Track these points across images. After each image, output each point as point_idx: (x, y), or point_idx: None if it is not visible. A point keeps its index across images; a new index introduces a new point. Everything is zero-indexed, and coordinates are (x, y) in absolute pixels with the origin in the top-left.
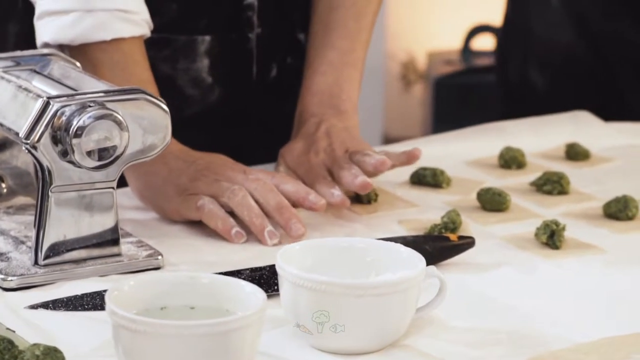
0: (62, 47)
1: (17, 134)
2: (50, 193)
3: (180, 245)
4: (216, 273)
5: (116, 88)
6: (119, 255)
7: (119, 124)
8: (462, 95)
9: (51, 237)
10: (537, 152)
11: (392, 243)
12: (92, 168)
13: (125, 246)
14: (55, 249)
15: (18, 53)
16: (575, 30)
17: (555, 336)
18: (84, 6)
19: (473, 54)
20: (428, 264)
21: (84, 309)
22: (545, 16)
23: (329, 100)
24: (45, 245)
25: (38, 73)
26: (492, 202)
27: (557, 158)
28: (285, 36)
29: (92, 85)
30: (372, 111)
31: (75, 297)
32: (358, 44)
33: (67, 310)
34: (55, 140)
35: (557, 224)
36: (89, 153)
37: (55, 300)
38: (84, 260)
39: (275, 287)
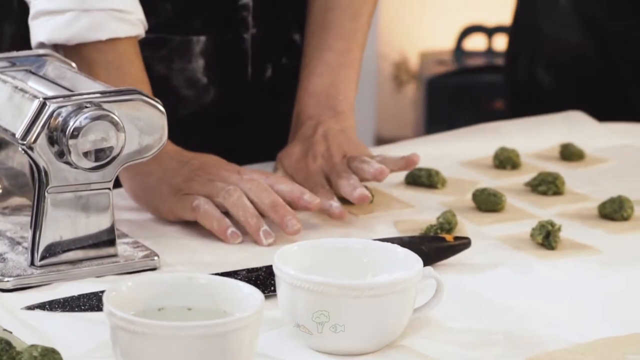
0: (56, 47)
1: (13, 134)
2: (46, 194)
3: (176, 246)
4: (212, 274)
5: (112, 89)
6: (115, 256)
7: (115, 124)
8: (455, 96)
9: (47, 237)
10: (532, 152)
11: (389, 244)
12: (89, 169)
13: (122, 247)
14: (52, 250)
15: (14, 54)
16: (583, 30)
17: (551, 337)
18: (80, 6)
19: (465, 54)
20: (424, 264)
21: (81, 310)
22: (554, 16)
23: (325, 101)
24: (42, 246)
25: (34, 74)
26: (487, 202)
27: (552, 158)
28: (280, 37)
29: (88, 85)
30: (364, 111)
31: (72, 298)
32: (354, 45)
33: (63, 311)
34: (52, 141)
35: (552, 224)
36: (86, 154)
37: (52, 301)
38: (80, 261)
39: (272, 288)
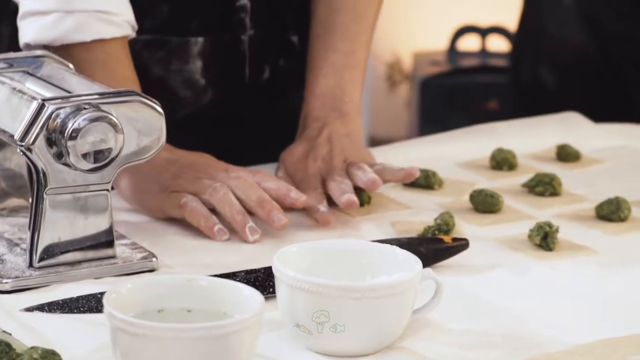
0: (46, 47)
1: (11, 136)
2: (45, 195)
3: (174, 247)
4: (211, 275)
5: (111, 90)
6: (113, 257)
7: (114, 126)
8: (449, 96)
9: (46, 239)
10: (528, 153)
11: (388, 245)
12: (87, 170)
13: (120, 248)
14: (50, 251)
15: (11, 55)
16: (586, 30)
17: (549, 338)
18: (64, 7)
19: (459, 54)
20: (423, 266)
21: (80, 312)
22: (558, 16)
23: (331, 103)
24: (40, 248)
25: (31, 75)
26: (484, 203)
27: (548, 159)
28: (277, 38)
29: (85, 87)
30: None
31: (71, 299)
32: (359, 46)
33: (62, 312)
34: (50, 143)
35: (550, 225)
36: (84, 155)
37: (51, 302)
38: (79, 262)
39: (271, 290)
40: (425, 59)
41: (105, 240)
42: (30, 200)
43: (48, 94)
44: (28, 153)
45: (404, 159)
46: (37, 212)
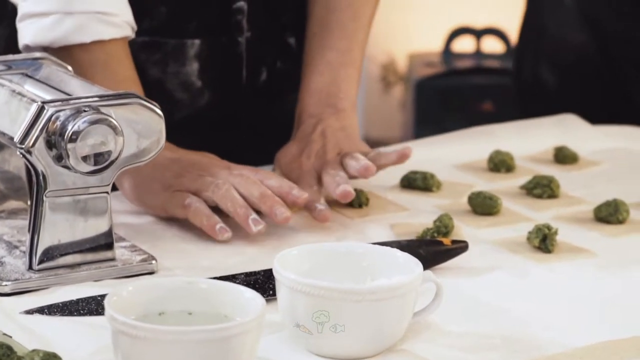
0: (45, 49)
1: (11, 138)
2: (44, 198)
3: (173, 250)
4: (211, 278)
5: (110, 93)
6: (113, 259)
7: (113, 128)
8: (443, 97)
9: (45, 241)
10: (526, 155)
11: (389, 248)
12: (87, 173)
13: (119, 251)
14: (50, 254)
15: (9, 57)
16: (587, 30)
17: (549, 340)
18: (64, 8)
19: (454, 56)
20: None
21: (80, 314)
22: (558, 15)
23: (326, 99)
24: (40, 250)
25: (30, 77)
26: (483, 205)
27: (546, 161)
28: (275, 40)
29: (85, 89)
30: None
31: (71, 302)
32: (355, 44)
33: (62, 315)
34: (50, 145)
35: (549, 227)
36: (84, 158)
37: (51, 305)
38: (79, 265)
39: (271, 292)
40: (420, 60)
41: (104, 242)
42: (28, 202)
43: (47, 97)
44: (28, 155)
45: None
46: (36, 215)
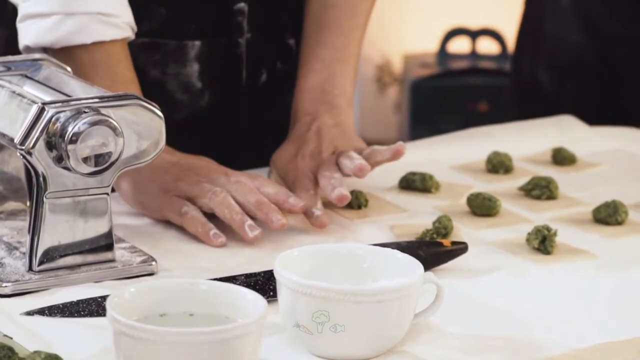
0: (45, 49)
1: (11, 139)
2: (44, 199)
3: (173, 251)
4: (211, 279)
5: (110, 94)
6: (113, 261)
7: (114, 129)
8: (439, 98)
9: (45, 242)
10: (524, 156)
11: (389, 249)
12: (87, 174)
13: (119, 252)
14: (50, 255)
15: (9, 58)
16: (584, 30)
17: (550, 342)
18: (65, 9)
19: (449, 56)
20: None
21: (80, 316)
22: (556, 16)
23: (321, 96)
24: (40, 251)
25: (29, 78)
26: (482, 207)
27: (544, 163)
28: (275, 41)
29: (85, 90)
30: None
31: (71, 303)
32: (351, 41)
33: (63, 316)
34: (50, 146)
35: (548, 229)
36: (85, 159)
37: (51, 306)
38: (79, 266)
39: (271, 293)
40: (415, 61)
41: (104, 243)
42: (28, 203)
43: (47, 98)
44: (28, 157)
45: (398, 162)
46: (36, 216)
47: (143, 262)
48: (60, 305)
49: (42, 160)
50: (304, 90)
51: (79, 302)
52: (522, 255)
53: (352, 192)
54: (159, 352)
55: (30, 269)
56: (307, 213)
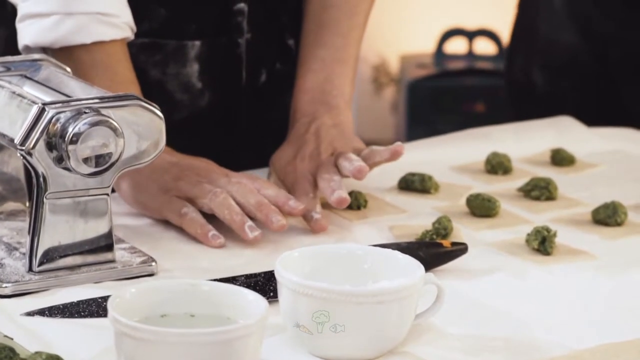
0: (45, 49)
1: (11, 140)
2: (45, 199)
3: (173, 252)
4: (211, 280)
5: (111, 94)
6: (113, 261)
7: (114, 130)
8: (435, 99)
9: (45, 243)
10: (522, 157)
11: (390, 250)
12: (87, 174)
13: (119, 252)
14: (50, 256)
15: (8, 58)
16: (577, 31)
17: (550, 342)
18: (64, 9)
19: (446, 57)
20: None
21: (81, 316)
22: (550, 17)
23: (320, 96)
24: (40, 252)
25: (29, 79)
26: (481, 207)
27: (543, 163)
28: (274, 42)
29: (84, 91)
30: None
31: (71, 304)
32: (351, 41)
33: (63, 317)
34: (50, 147)
35: (548, 230)
36: (85, 160)
37: (52, 307)
38: (79, 266)
39: (272, 294)
40: (412, 61)
41: (104, 244)
42: (27, 204)
43: (47, 98)
44: (28, 157)
45: (396, 162)
46: (36, 216)
47: (143, 262)
48: (61, 306)
49: (43, 161)
50: (303, 90)
51: (79, 302)
52: (521, 256)
53: (351, 193)
54: (160, 353)
55: (30, 269)
56: (306, 217)
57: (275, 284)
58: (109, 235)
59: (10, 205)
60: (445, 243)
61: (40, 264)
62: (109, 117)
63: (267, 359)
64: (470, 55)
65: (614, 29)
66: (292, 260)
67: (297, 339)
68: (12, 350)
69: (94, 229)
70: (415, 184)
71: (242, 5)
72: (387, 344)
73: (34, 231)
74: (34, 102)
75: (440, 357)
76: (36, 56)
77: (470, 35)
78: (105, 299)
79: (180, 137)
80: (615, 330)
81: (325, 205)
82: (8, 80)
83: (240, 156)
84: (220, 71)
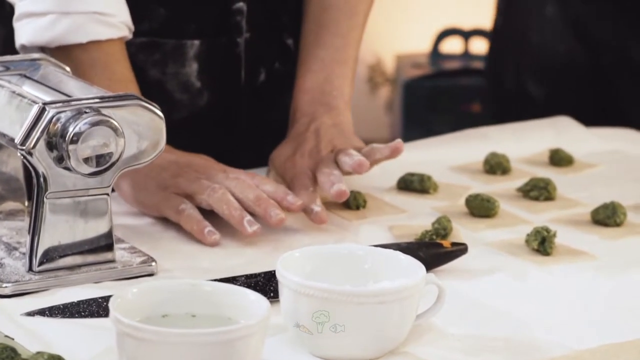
0: (43, 48)
1: (12, 139)
2: (45, 199)
3: (173, 251)
4: (211, 280)
5: (111, 94)
6: (113, 261)
7: (114, 130)
8: (431, 99)
9: (46, 243)
10: (521, 157)
11: (391, 250)
12: (88, 174)
13: (119, 252)
14: (50, 255)
15: (7, 58)
16: (573, 37)
17: (550, 342)
18: (61, 8)
19: (442, 57)
20: None
21: (81, 316)
22: (542, 25)
23: (320, 97)
24: (40, 252)
25: (28, 78)
26: (481, 208)
27: (541, 164)
28: (273, 41)
29: (84, 90)
30: None
31: (72, 304)
32: (350, 42)
33: (64, 317)
34: (51, 147)
35: (547, 230)
36: (86, 159)
37: (52, 307)
38: (79, 266)
39: (272, 294)
40: (407, 61)
41: (104, 244)
42: (26, 203)
43: (47, 98)
44: (29, 157)
45: (395, 162)
46: (37, 216)
47: (143, 262)
48: (61, 306)
49: (43, 161)
50: (302, 90)
51: (79, 302)
52: (521, 256)
53: (350, 193)
54: (162, 353)
55: (30, 269)
56: (306, 210)
57: (276, 284)
58: (109, 235)
59: (10, 205)
60: (445, 243)
61: (40, 263)
62: (109, 116)
63: (267, 359)
64: (466, 55)
65: (610, 34)
66: (293, 261)
67: (298, 339)
68: (13, 350)
69: (94, 228)
70: (414, 184)
71: (241, 4)
72: (387, 345)
73: (34, 231)
74: (34, 102)
75: (440, 357)
76: (35, 55)
77: (466, 35)
78: (105, 299)
79: (179, 137)
80: (615, 331)
81: (324, 205)
82: (7, 80)
83: (239, 156)
84: (219, 71)
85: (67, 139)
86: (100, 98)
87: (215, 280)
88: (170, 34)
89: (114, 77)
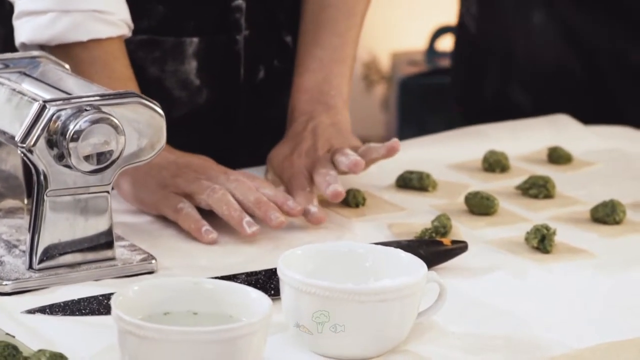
0: (42, 46)
1: (12, 137)
2: (45, 197)
3: (173, 249)
4: (211, 278)
5: (111, 92)
6: (113, 259)
7: (115, 127)
8: (427, 96)
9: (46, 241)
10: (519, 155)
11: (393, 248)
12: (88, 172)
13: (119, 250)
14: (50, 253)
15: (7, 55)
16: (563, 43)
17: (551, 341)
18: (60, 7)
19: (438, 54)
20: None
21: (82, 314)
22: (529, 32)
23: (318, 96)
24: (40, 249)
25: (28, 76)
26: (480, 205)
27: (540, 161)
28: (272, 39)
29: (84, 88)
30: None
31: (72, 301)
32: (348, 41)
33: (64, 314)
34: (51, 144)
35: (547, 228)
36: (86, 157)
37: (52, 305)
38: (79, 264)
39: (272, 292)
40: (403, 58)
41: (105, 241)
42: (25, 201)
43: (47, 96)
44: (29, 155)
45: (393, 160)
46: (37, 214)
47: (143, 260)
48: (61, 304)
49: (43, 158)
50: (301, 90)
51: (80, 300)
52: (521, 254)
53: (349, 191)
54: (164, 351)
55: (30, 267)
56: (304, 210)
57: (276, 281)
58: (109, 232)
59: (9, 203)
60: (445, 241)
61: (41, 261)
62: (110, 114)
63: (269, 357)
64: None
65: (602, 40)
66: (294, 259)
67: (299, 338)
68: (15, 348)
69: (94, 226)
70: (413, 182)
71: (240, 2)
72: (389, 343)
73: (34, 229)
74: (35, 100)
75: (441, 355)
76: (34, 53)
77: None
78: (106, 296)
79: (178, 135)
80: (614, 329)
81: (323, 203)
82: (7, 78)
83: (238, 154)
84: (218, 68)
85: (67, 136)
86: (101, 96)
87: (216, 277)
88: (170, 32)
89: (114, 75)
